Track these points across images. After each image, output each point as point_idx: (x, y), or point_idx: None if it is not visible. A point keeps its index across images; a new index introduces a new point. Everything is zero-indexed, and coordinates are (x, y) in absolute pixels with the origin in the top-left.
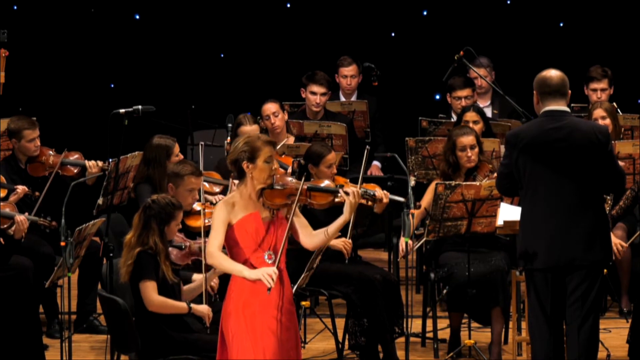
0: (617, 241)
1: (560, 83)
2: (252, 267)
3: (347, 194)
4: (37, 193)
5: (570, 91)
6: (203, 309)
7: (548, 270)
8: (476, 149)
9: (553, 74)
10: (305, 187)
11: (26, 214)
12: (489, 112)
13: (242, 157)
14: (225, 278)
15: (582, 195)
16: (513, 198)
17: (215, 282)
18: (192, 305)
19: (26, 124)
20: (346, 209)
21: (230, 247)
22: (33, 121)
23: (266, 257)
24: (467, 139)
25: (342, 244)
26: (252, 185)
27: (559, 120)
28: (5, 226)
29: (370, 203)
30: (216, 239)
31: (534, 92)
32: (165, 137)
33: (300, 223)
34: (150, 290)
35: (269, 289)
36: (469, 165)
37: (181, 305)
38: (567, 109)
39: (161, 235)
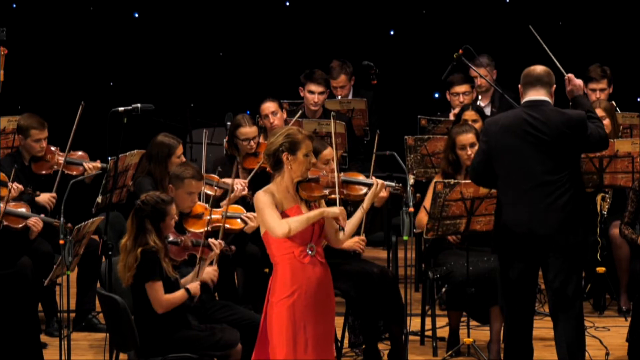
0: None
1: (541, 73)
2: (295, 260)
3: (370, 185)
4: (38, 192)
5: (555, 85)
6: (206, 276)
7: (524, 252)
8: (476, 147)
9: (537, 66)
10: (340, 179)
11: (42, 215)
12: (488, 111)
13: (282, 148)
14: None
15: (557, 181)
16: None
17: (214, 273)
18: (189, 287)
19: (35, 123)
20: (367, 199)
21: (269, 241)
22: (42, 122)
23: (308, 249)
24: (467, 137)
25: (356, 243)
26: (289, 178)
27: (535, 109)
28: (19, 226)
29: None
30: (274, 216)
31: (519, 86)
32: (170, 137)
33: (328, 219)
34: (158, 291)
35: (342, 228)
36: (469, 164)
37: (181, 295)
38: (547, 99)
39: (158, 234)
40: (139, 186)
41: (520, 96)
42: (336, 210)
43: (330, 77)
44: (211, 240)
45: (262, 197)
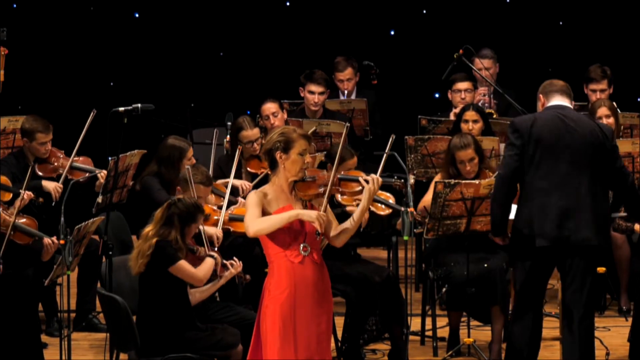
0: None
1: (565, 84)
2: (288, 260)
3: (366, 181)
4: (41, 199)
5: (573, 102)
6: (210, 230)
7: (550, 248)
8: (475, 160)
9: (557, 80)
10: (337, 177)
11: (54, 237)
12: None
13: (276, 147)
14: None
15: (588, 183)
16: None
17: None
18: (214, 254)
19: (40, 127)
20: (364, 196)
21: (265, 241)
22: (48, 125)
23: (301, 249)
24: (466, 154)
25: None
26: (284, 177)
27: (565, 110)
28: (24, 242)
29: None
30: (252, 215)
31: (539, 95)
32: (180, 139)
33: (329, 217)
34: (187, 268)
35: (318, 233)
36: (470, 177)
37: (208, 261)
38: (571, 107)
39: (182, 234)
40: (147, 185)
41: (539, 103)
42: (312, 214)
43: (337, 71)
44: (230, 261)
45: (251, 196)
